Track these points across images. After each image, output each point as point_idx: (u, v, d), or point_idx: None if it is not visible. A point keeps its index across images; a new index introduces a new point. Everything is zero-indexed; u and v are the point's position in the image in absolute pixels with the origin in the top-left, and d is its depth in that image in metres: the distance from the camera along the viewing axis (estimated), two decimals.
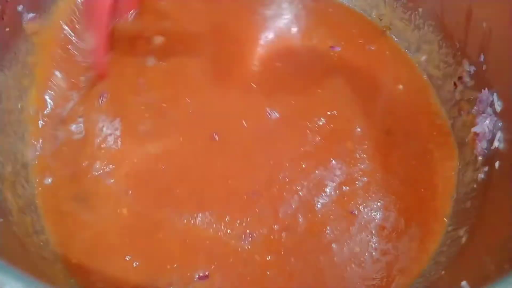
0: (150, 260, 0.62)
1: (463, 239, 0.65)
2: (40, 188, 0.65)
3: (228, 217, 0.65)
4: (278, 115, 0.74)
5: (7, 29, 0.66)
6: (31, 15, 0.70)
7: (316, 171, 0.70)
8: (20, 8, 0.68)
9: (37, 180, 0.66)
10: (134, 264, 0.61)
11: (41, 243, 0.60)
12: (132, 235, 0.63)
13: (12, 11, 0.66)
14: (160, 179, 0.67)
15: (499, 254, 0.55)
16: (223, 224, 0.64)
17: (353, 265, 0.64)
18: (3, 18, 0.65)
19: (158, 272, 0.61)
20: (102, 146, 0.68)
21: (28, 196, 0.63)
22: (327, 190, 0.69)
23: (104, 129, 0.70)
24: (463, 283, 0.53)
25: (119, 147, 0.69)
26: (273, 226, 0.65)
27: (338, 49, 0.83)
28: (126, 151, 0.68)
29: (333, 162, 0.71)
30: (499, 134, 0.67)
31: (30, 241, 0.59)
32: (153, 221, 0.64)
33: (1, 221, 0.56)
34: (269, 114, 0.74)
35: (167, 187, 0.66)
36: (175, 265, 0.61)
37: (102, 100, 0.72)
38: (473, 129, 0.72)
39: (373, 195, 0.69)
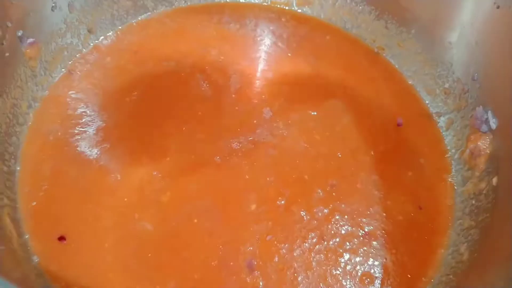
0: None
1: (465, 256, 0.67)
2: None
3: None
4: None
5: (7, 54, 0.67)
6: (30, 40, 0.71)
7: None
8: (19, 33, 0.69)
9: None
10: None
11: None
12: None
13: (12, 36, 0.68)
14: None
15: (504, 269, 0.57)
16: None
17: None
18: (3, 43, 0.66)
19: None
20: None
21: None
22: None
23: None
24: None
25: None
26: None
27: None
28: None
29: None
30: (495, 151, 0.70)
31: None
32: None
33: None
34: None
35: None
36: None
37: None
38: (470, 146, 0.74)
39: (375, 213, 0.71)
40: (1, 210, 0.61)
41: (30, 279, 0.57)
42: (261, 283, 0.63)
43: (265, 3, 0.93)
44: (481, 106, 0.74)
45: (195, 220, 0.67)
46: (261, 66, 0.86)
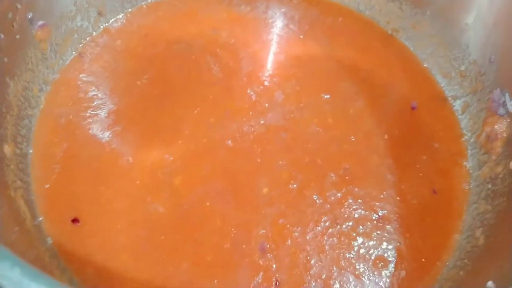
0: None
1: (480, 241, 0.67)
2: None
3: None
4: None
5: (17, 36, 0.67)
6: (40, 22, 0.71)
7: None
8: (29, 15, 0.69)
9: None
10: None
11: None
12: None
13: (22, 18, 0.67)
14: None
15: None
16: None
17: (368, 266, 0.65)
18: (13, 25, 0.66)
19: None
20: None
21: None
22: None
23: None
24: (489, 283, 0.54)
25: None
26: None
27: None
28: None
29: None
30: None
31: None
32: None
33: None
34: None
35: None
36: None
37: None
38: (486, 129, 0.73)
39: (389, 197, 0.71)
40: (15, 192, 0.61)
41: (44, 260, 0.57)
42: (274, 266, 0.63)
43: None
44: (498, 89, 0.72)
45: (207, 203, 0.67)
46: (272, 48, 0.86)
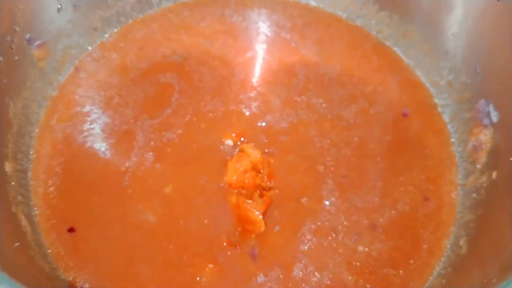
0: None
1: (463, 249, 0.71)
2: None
3: None
4: None
5: (16, 57, 0.74)
6: (38, 42, 0.77)
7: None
8: (27, 36, 0.75)
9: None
10: None
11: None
12: None
13: (20, 40, 0.74)
14: None
15: (501, 260, 0.61)
16: None
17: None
18: (12, 48, 0.72)
19: None
20: None
21: None
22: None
23: None
24: None
25: None
26: None
27: None
28: None
29: None
30: (495, 144, 0.73)
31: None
32: None
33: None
34: None
35: None
36: None
37: None
38: (472, 139, 0.77)
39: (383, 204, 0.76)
40: (17, 208, 0.68)
41: (45, 272, 0.64)
42: (261, 275, 0.68)
43: None
44: (483, 99, 0.76)
45: (199, 212, 0.72)
46: (265, 56, 0.90)
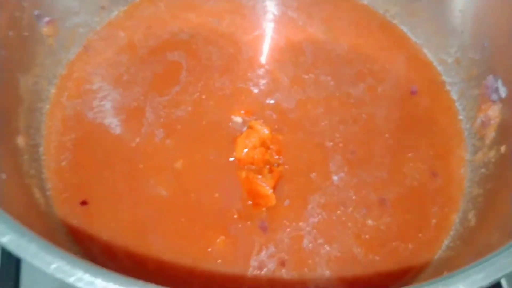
0: None
1: (472, 222, 0.72)
2: None
3: None
4: None
5: (25, 33, 0.74)
6: (46, 18, 0.78)
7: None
8: (36, 12, 0.76)
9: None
10: None
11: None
12: None
13: (29, 16, 0.74)
14: None
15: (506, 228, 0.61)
16: None
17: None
18: (21, 23, 0.73)
19: None
20: None
21: None
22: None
23: None
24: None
25: None
26: None
27: None
28: None
29: None
30: (504, 120, 0.74)
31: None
32: None
33: None
34: None
35: None
36: None
37: None
38: (481, 115, 0.78)
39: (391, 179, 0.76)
40: (30, 180, 0.69)
41: (57, 240, 0.65)
42: (271, 246, 0.69)
43: None
44: (491, 75, 0.76)
45: (209, 186, 0.73)
46: (272, 35, 0.91)
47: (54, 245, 0.42)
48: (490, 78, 0.77)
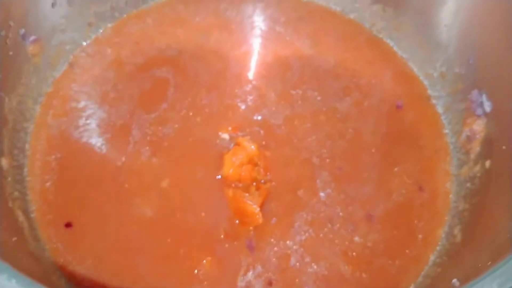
0: None
1: (458, 238, 0.72)
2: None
3: None
4: None
5: (11, 53, 0.73)
6: (32, 37, 0.77)
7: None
8: (22, 31, 0.75)
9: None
10: None
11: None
12: None
13: (14, 34, 0.73)
14: None
15: (493, 246, 0.61)
16: None
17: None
18: (6, 43, 0.72)
19: None
20: None
21: None
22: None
23: None
24: (454, 280, 0.60)
25: None
26: None
27: None
28: None
29: None
30: (489, 134, 0.74)
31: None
32: None
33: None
34: None
35: None
36: None
37: None
38: (466, 129, 0.78)
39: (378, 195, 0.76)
40: (13, 203, 0.68)
41: (41, 267, 0.64)
42: (259, 266, 0.69)
43: None
44: (476, 89, 0.77)
45: (196, 205, 0.73)
46: (260, 50, 0.91)
47: (36, 279, 0.41)
48: (474, 92, 0.77)
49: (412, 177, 0.78)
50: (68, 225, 0.70)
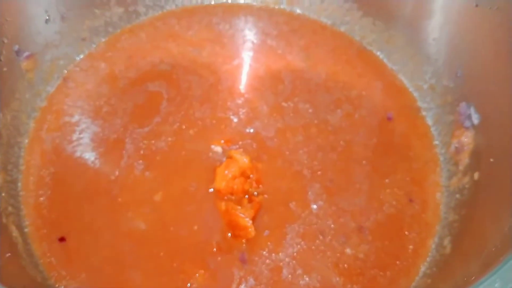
0: None
1: (447, 249, 0.72)
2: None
3: None
4: None
5: (5, 69, 0.74)
6: (26, 53, 0.78)
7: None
8: (16, 48, 0.76)
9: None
10: None
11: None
12: None
13: (8, 51, 0.74)
14: None
15: (482, 258, 0.62)
16: None
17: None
18: (0, 59, 0.73)
19: None
20: None
21: None
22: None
23: None
24: None
25: None
26: None
27: None
28: None
29: None
30: (477, 146, 0.75)
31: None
32: None
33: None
34: None
35: None
36: None
37: None
38: (455, 141, 0.79)
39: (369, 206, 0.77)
40: (7, 219, 0.68)
41: (36, 282, 0.64)
42: (251, 279, 0.69)
43: (254, 3, 0.97)
44: (464, 102, 0.78)
45: (188, 219, 0.73)
46: (252, 63, 0.92)
47: None
48: (463, 105, 0.78)
49: (402, 189, 0.79)
50: (61, 239, 0.70)
